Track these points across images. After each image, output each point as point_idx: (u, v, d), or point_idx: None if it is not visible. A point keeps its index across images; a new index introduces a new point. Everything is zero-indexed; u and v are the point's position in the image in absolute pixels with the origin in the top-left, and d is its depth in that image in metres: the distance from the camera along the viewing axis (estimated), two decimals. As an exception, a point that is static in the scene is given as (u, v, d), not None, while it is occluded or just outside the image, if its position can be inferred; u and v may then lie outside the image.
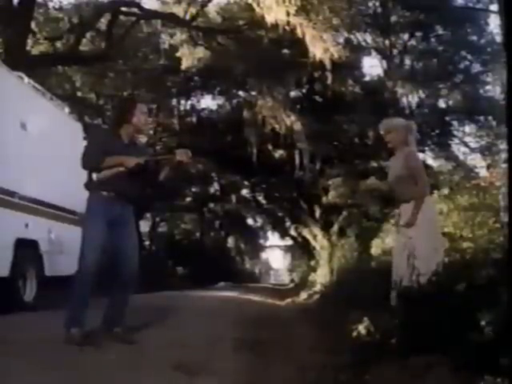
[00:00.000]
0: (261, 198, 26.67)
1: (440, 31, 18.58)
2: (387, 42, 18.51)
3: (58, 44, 16.00)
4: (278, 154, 19.26)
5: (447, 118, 19.57)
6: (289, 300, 11.83)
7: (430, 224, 4.42)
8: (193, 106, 22.48)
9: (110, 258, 4.22)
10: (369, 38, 18.84)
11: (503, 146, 14.10)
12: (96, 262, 4.07)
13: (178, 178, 5.46)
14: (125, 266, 4.21)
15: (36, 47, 15.44)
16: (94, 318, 4.17)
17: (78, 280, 4.10)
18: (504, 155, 10.10)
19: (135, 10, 14.85)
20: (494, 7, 14.93)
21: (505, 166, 6.71)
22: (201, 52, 17.50)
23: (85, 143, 5.09)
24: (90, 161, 4.14)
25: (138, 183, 4.26)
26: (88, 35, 15.89)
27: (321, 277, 13.30)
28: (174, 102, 21.84)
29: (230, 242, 40.39)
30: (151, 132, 20.36)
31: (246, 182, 25.36)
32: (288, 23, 12.04)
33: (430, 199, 4.60)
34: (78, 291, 4.08)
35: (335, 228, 15.47)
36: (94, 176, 4.27)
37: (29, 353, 3.64)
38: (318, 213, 18.62)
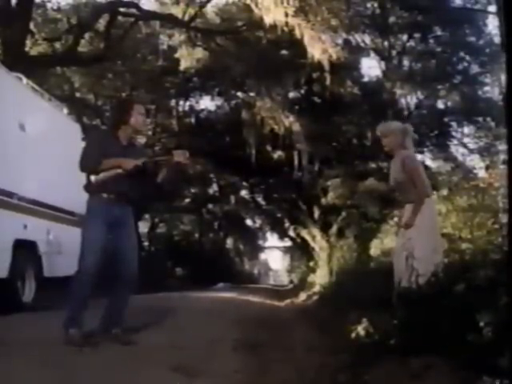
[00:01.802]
0: (260, 199, 26.67)
1: (438, 32, 18.56)
2: (386, 43, 18.55)
3: (57, 45, 15.98)
4: (277, 154, 19.25)
5: (446, 119, 19.58)
6: (288, 301, 11.82)
7: (429, 225, 4.42)
8: (191, 107, 22.51)
9: (110, 259, 4.22)
10: (367, 39, 18.86)
11: (502, 146, 14.11)
12: (96, 263, 4.07)
13: (176, 178, 5.46)
14: (124, 267, 4.21)
15: (34, 48, 15.41)
16: (93, 319, 4.17)
17: (77, 281, 4.11)
18: (503, 156, 10.10)
19: (134, 10, 14.84)
20: (493, 8, 14.97)
21: (504, 166, 6.70)
22: (199, 53, 17.50)
23: (83, 145, 5.08)
24: (88, 163, 4.14)
25: (136, 185, 4.26)
26: (86, 36, 15.86)
27: (320, 278, 13.28)
28: (173, 102, 21.82)
29: (229, 242, 40.31)
30: (150, 133, 20.37)
31: (244, 183, 25.37)
32: (286, 24, 12.04)
33: (430, 200, 4.61)
34: (77, 292, 4.08)
35: (334, 229, 15.45)
36: (93, 178, 4.27)
37: (28, 353, 3.63)
38: (316, 214, 18.61)
